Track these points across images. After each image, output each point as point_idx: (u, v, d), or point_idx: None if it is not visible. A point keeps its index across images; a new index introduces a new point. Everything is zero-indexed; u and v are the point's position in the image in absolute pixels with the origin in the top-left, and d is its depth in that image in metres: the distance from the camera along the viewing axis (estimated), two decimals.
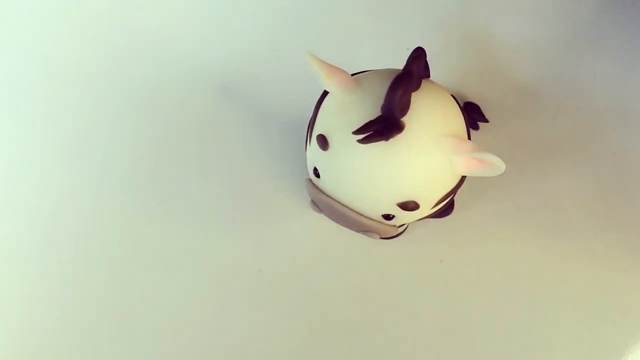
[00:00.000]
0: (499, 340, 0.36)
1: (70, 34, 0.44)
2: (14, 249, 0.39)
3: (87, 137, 0.42)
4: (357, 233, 0.32)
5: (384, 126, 0.26)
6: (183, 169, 0.40)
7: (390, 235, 0.32)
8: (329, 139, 0.28)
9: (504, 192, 0.38)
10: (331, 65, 0.28)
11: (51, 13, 0.45)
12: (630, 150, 0.40)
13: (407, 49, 0.30)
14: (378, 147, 0.27)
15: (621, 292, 0.37)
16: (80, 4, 0.45)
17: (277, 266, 0.33)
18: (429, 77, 0.34)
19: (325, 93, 0.31)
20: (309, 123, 0.32)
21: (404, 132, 0.27)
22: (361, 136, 0.26)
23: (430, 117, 0.28)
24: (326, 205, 0.31)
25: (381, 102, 0.27)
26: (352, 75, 0.31)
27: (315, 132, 0.29)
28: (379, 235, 0.31)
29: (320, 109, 0.30)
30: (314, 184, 0.31)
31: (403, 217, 0.30)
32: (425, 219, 0.33)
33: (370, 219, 0.30)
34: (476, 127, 0.39)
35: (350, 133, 0.27)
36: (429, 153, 0.28)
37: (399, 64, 0.30)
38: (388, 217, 0.30)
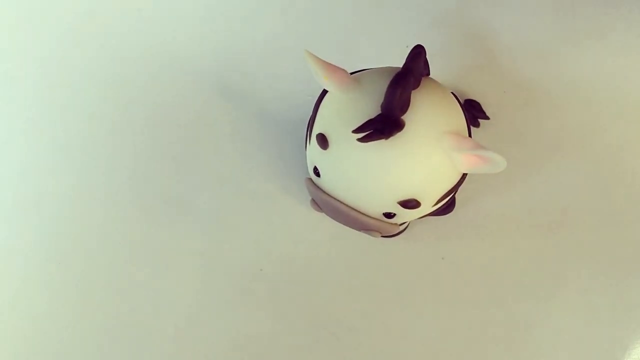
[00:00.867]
0: (500, 337, 0.36)
1: (70, 34, 0.44)
2: (15, 249, 0.39)
3: (88, 138, 0.42)
4: (358, 232, 0.32)
5: (383, 124, 0.26)
6: (183, 169, 0.40)
7: (392, 234, 0.32)
8: (329, 138, 0.28)
9: (505, 189, 0.38)
10: (330, 64, 0.28)
11: (46, 13, 0.45)
12: (630, 147, 0.39)
13: (407, 46, 0.30)
14: (378, 146, 0.27)
15: (623, 290, 0.37)
16: (78, 5, 0.45)
17: (278, 265, 0.33)
18: (429, 74, 0.34)
19: (324, 92, 0.31)
20: (309, 122, 0.32)
21: (404, 130, 0.27)
22: (361, 135, 0.26)
23: (431, 114, 0.28)
24: (327, 204, 0.30)
25: (381, 100, 0.27)
26: (352, 73, 0.31)
27: (315, 131, 0.29)
28: (380, 233, 0.31)
29: (320, 108, 0.30)
30: (314, 183, 0.31)
31: (404, 215, 0.30)
32: (427, 217, 0.33)
33: (371, 217, 0.30)
34: (477, 124, 0.39)
35: (350, 132, 0.27)
36: (430, 151, 0.28)
37: (399, 61, 0.30)
38: (389, 215, 0.30)
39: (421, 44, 0.29)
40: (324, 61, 0.27)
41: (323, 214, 0.32)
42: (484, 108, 0.40)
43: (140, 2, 0.45)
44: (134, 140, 0.41)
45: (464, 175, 0.30)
